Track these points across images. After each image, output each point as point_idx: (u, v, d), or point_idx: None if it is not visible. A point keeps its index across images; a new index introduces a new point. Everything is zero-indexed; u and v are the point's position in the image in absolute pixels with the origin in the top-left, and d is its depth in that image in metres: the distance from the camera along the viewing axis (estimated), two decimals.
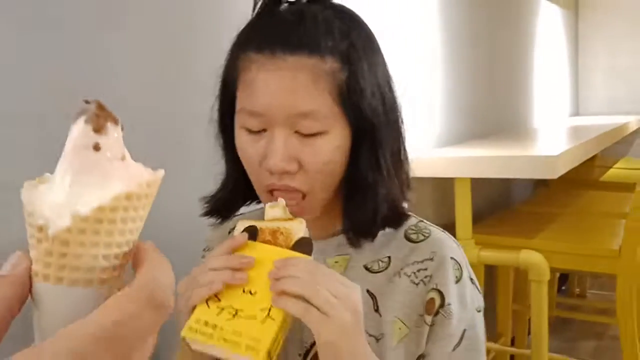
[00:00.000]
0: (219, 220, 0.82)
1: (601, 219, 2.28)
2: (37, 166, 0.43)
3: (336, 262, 0.79)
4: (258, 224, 0.67)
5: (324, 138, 0.70)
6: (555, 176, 1.63)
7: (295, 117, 0.68)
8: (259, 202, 0.84)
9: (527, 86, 3.31)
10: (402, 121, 0.78)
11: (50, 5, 0.88)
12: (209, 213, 0.82)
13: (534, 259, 1.76)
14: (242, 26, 0.75)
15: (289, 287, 0.59)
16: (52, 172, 0.37)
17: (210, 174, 0.83)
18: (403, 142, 0.78)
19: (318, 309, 0.59)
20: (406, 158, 0.79)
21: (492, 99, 2.79)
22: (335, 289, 0.60)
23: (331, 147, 0.71)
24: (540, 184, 3.13)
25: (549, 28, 3.73)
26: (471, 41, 2.54)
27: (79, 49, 0.93)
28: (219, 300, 0.61)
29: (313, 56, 0.68)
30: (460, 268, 0.79)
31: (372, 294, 0.77)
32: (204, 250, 0.92)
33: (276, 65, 0.68)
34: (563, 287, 3.46)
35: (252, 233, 0.66)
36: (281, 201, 0.68)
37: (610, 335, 2.86)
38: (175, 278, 0.38)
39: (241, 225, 0.68)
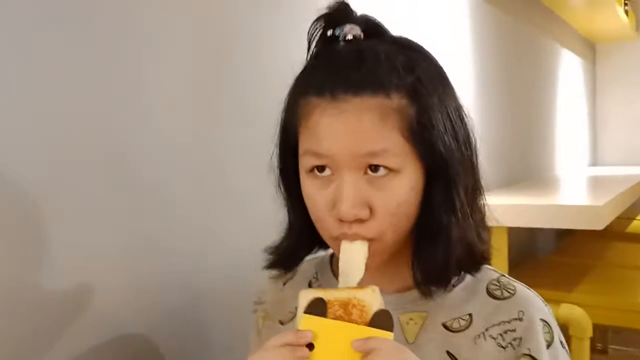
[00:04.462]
0: (284, 272, 0.76)
1: (636, 272, 2.19)
2: None
3: (411, 319, 0.71)
4: (325, 295, 0.59)
5: (396, 179, 0.63)
6: (601, 226, 1.56)
7: (364, 158, 0.62)
8: (325, 248, 0.77)
9: (549, 134, 3.27)
10: (477, 155, 0.70)
11: None
12: (273, 265, 0.75)
13: (576, 314, 1.65)
14: (300, 69, 0.70)
15: None
16: None
17: (269, 225, 0.76)
18: (478, 178, 0.71)
19: None
20: (481, 196, 0.72)
21: (516, 146, 2.74)
22: None
23: (405, 188, 0.64)
24: (564, 234, 3.04)
25: (569, 77, 3.71)
26: (499, 87, 2.50)
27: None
28: None
29: (377, 95, 0.62)
30: (550, 331, 0.70)
31: (453, 356, 0.69)
32: (255, 303, 0.84)
33: (339, 109, 0.62)
34: None
35: (320, 308, 0.58)
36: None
37: None
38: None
39: (305, 297, 0.60)
